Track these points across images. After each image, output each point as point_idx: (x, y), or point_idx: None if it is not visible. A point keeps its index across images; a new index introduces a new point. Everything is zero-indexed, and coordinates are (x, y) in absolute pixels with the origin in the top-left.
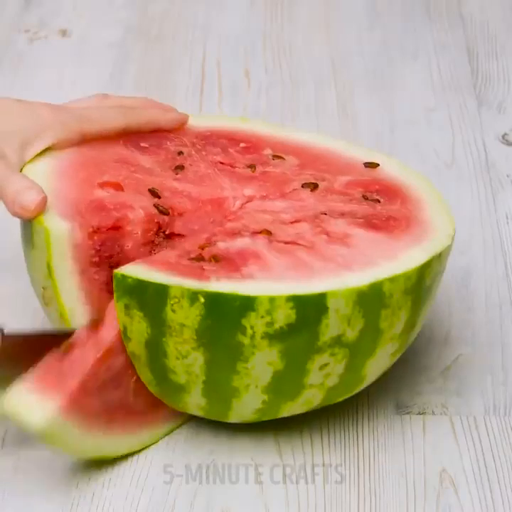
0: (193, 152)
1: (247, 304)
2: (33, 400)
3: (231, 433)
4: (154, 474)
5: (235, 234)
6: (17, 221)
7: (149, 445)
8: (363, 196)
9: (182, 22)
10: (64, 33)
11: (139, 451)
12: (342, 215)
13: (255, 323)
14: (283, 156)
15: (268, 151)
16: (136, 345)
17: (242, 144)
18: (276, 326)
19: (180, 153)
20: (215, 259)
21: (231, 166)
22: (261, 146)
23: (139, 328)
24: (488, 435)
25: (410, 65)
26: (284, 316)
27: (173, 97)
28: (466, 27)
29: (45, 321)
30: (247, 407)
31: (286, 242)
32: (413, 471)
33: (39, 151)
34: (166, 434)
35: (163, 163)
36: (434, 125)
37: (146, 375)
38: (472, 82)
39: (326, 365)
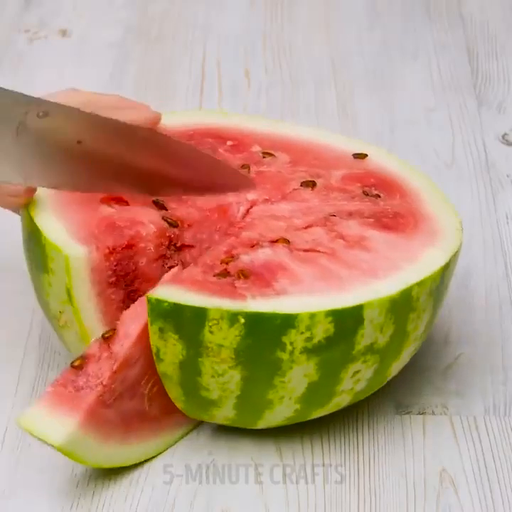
0: None
1: (287, 321)
2: (50, 417)
3: (231, 433)
4: (154, 474)
5: (253, 245)
6: (16, 221)
7: (164, 450)
8: (363, 192)
9: (182, 22)
10: (64, 33)
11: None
12: (350, 215)
13: (295, 340)
14: (273, 153)
15: (256, 148)
16: (169, 366)
17: (229, 142)
18: (315, 340)
19: None
20: (244, 274)
21: None
22: (248, 142)
23: (174, 350)
24: (488, 435)
25: (410, 65)
26: (323, 330)
27: (173, 97)
28: (466, 27)
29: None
30: (278, 416)
31: (305, 250)
32: (413, 471)
33: None
34: (180, 439)
35: None
36: (434, 125)
37: (175, 393)
38: (472, 82)
39: (357, 372)
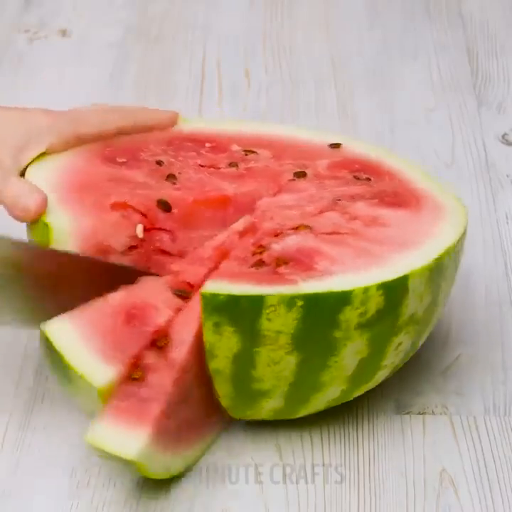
0: (171, 159)
1: (343, 298)
2: (120, 432)
3: (231, 433)
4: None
5: (277, 234)
6: (16, 226)
7: (201, 456)
8: (354, 177)
9: (182, 22)
10: (64, 33)
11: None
12: (353, 198)
13: (350, 316)
14: (254, 150)
15: (236, 148)
16: (222, 361)
17: (207, 144)
18: (368, 315)
19: (159, 162)
20: (284, 261)
21: (214, 168)
22: (226, 143)
23: (228, 343)
24: (488, 435)
25: (410, 65)
26: (375, 303)
27: (173, 97)
28: (465, 27)
29: None
30: (324, 399)
31: (328, 233)
32: (413, 471)
33: (35, 156)
34: (211, 444)
35: (152, 175)
36: (434, 125)
37: (225, 389)
38: (472, 82)
39: (400, 344)
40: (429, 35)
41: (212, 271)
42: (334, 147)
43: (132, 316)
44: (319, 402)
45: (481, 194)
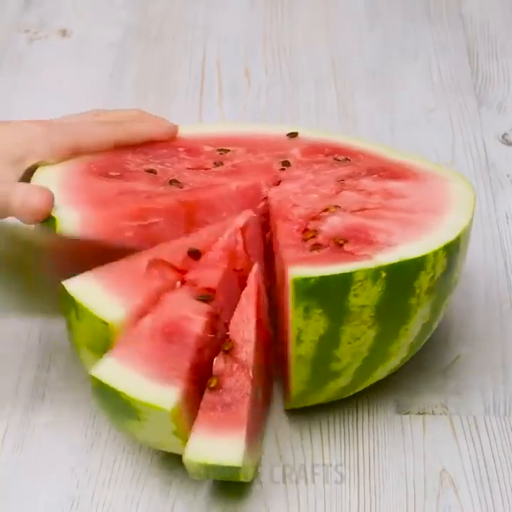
0: (160, 166)
1: (419, 264)
2: (220, 441)
3: None
4: (154, 474)
5: (313, 217)
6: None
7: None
8: (335, 159)
9: (182, 22)
10: (64, 33)
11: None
12: (352, 177)
13: (423, 281)
14: (228, 148)
15: (209, 148)
16: (307, 346)
17: (180, 149)
18: (435, 278)
19: (152, 171)
20: (343, 240)
21: (204, 169)
22: (197, 144)
23: (316, 326)
24: (488, 435)
25: (410, 65)
26: (440, 266)
27: (173, 97)
28: (466, 27)
29: None
30: (386, 370)
31: (358, 210)
32: (413, 471)
33: (30, 166)
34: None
35: (153, 183)
36: (434, 125)
37: (301, 375)
38: (472, 82)
39: (447, 304)
40: (429, 35)
41: (226, 271)
42: (292, 136)
43: (169, 334)
44: (381, 373)
45: (481, 194)
